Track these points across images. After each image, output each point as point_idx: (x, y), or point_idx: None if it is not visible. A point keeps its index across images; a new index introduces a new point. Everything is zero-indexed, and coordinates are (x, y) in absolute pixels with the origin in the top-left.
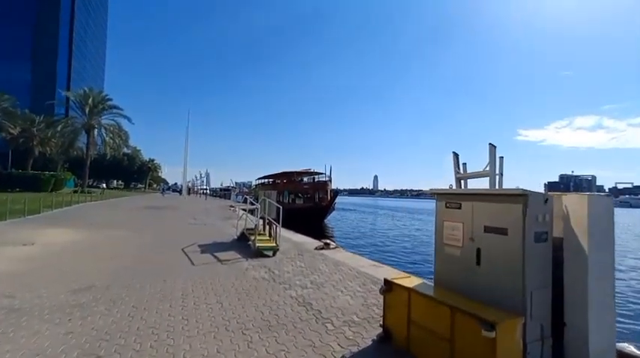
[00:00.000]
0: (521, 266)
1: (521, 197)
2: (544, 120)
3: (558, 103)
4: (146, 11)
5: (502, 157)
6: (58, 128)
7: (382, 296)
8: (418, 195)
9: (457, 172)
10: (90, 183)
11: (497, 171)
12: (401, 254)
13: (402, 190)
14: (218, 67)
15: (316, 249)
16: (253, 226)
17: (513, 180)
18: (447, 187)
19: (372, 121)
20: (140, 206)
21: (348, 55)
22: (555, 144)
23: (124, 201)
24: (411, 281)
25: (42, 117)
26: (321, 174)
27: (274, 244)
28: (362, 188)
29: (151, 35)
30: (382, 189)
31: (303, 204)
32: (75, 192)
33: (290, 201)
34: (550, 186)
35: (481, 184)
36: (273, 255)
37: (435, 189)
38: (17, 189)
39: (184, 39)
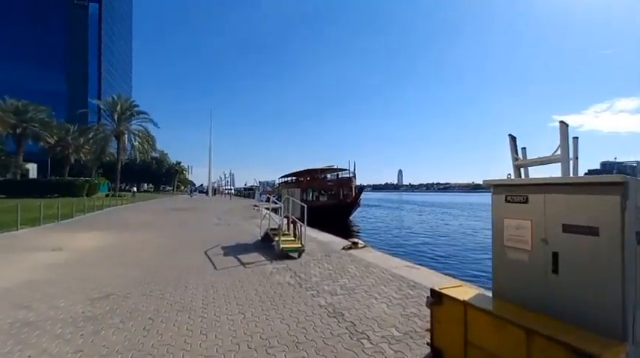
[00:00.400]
0: (620, 275)
1: (617, 186)
2: (582, 104)
3: (597, 85)
4: (165, 12)
5: (576, 138)
6: (90, 135)
7: (427, 307)
8: (445, 188)
9: (515, 159)
10: (121, 187)
11: (570, 155)
12: (435, 253)
13: (427, 184)
14: (240, 66)
15: (344, 249)
16: (277, 226)
17: (548, 169)
18: (506, 176)
19: (394, 114)
20: (168, 208)
21: (367, 47)
22: (594, 129)
23: (152, 204)
24: (464, 292)
25: (76, 127)
26: (345, 170)
27: (299, 245)
28: (386, 183)
29: (171, 36)
30: (407, 183)
31: (327, 201)
32: (107, 196)
33: (314, 198)
34: (589, 174)
35: (543, 173)
36: (299, 256)
37: (491, 180)
38: (55, 195)
39: (205, 38)
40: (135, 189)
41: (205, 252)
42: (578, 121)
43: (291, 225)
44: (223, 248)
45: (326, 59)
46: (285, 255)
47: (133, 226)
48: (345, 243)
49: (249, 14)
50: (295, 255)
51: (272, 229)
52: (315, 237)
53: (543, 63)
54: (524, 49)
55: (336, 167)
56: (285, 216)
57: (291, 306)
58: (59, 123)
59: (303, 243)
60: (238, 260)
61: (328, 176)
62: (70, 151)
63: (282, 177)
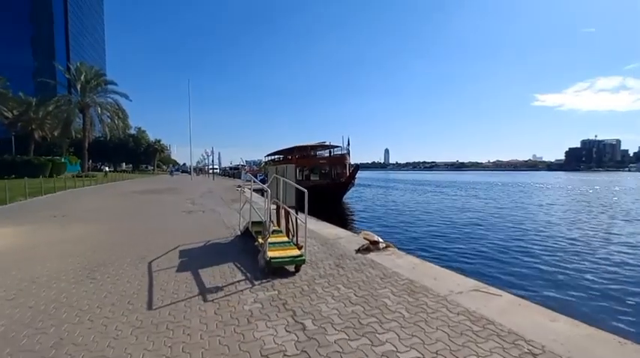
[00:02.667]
0: None
1: None
2: (563, 82)
3: (579, 64)
4: None
5: None
6: (50, 108)
7: None
8: (431, 167)
9: None
10: (95, 167)
11: None
12: (474, 250)
13: (414, 163)
14: (220, 41)
15: (360, 251)
16: (262, 220)
17: (533, 147)
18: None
19: (380, 91)
20: (138, 190)
21: (355, 23)
22: (573, 108)
23: (123, 185)
24: None
25: (35, 100)
26: (338, 147)
27: (297, 251)
28: (373, 162)
29: (150, 12)
30: (394, 162)
31: (319, 180)
32: (75, 176)
33: (304, 177)
34: (571, 153)
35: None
36: (296, 270)
37: None
38: (12, 176)
39: (185, 13)
40: (107, 168)
41: (150, 263)
42: (559, 100)
43: (283, 218)
44: (182, 253)
45: (317, 38)
46: (274, 271)
47: (78, 215)
48: (358, 239)
49: None
50: (291, 268)
51: (255, 223)
52: (311, 228)
53: (525, 40)
54: (505, 25)
55: (328, 143)
56: (273, 203)
57: None
58: (16, 96)
59: (301, 246)
60: (197, 281)
61: (320, 153)
62: (33, 127)
63: (268, 155)
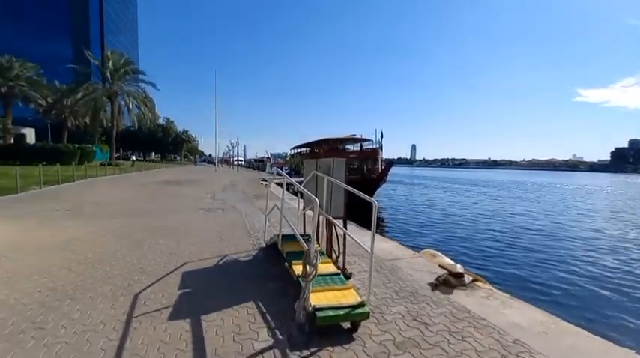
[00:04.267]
0: None
1: None
2: (609, 77)
3: (626, 58)
4: None
5: None
6: (79, 95)
7: None
8: (460, 164)
9: None
10: (125, 156)
11: None
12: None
13: (442, 159)
14: (249, 34)
15: (437, 287)
16: (296, 232)
17: (573, 146)
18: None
19: (407, 85)
20: (161, 180)
21: (377, 11)
22: (620, 105)
23: (147, 175)
24: None
25: (66, 87)
26: (369, 140)
27: (354, 297)
28: (399, 158)
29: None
30: (421, 158)
31: (349, 176)
32: (103, 164)
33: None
34: (617, 153)
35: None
36: (354, 328)
37: None
38: (44, 163)
39: (213, 6)
40: (134, 157)
41: (136, 297)
42: (604, 96)
43: (324, 232)
44: (186, 279)
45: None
46: (320, 328)
47: (83, 210)
48: (424, 263)
49: None
50: (346, 324)
51: (286, 238)
52: (353, 240)
53: (567, 32)
54: (545, 17)
55: (358, 137)
56: (307, 209)
57: None
58: (51, 84)
59: (350, 274)
60: (196, 345)
61: (350, 147)
62: (66, 115)
63: (294, 147)
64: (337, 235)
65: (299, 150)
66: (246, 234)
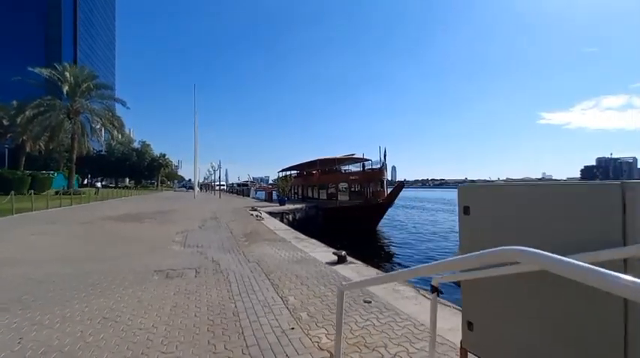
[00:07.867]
0: None
1: None
2: (569, 101)
3: (583, 83)
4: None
5: None
6: (28, 113)
7: None
8: (440, 184)
9: None
10: (90, 183)
11: None
12: None
13: (423, 180)
14: (227, 59)
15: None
16: None
17: (542, 165)
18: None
19: (384, 111)
20: (118, 214)
21: (348, 42)
22: (581, 126)
23: (107, 205)
24: None
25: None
26: (368, 160)
27: None
28: None
29: (159, 29)
30: (402, 179)
31: (350, 200)
32: (62, 193)
33: (328, 196)
34: (586, 171)
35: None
36: None
37: None
38: None
39: (193, 30)
40: (100, 184)
41: None
42: (566, 118)
43: None
44: None
45: (322, 54)
46: None
47: None
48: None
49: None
50: None
51: None
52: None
53: (528, 61)
54: (509, 46)
55: (357, 156)
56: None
57: None
58: (8, 104)
59: None
60: None
61: (346, 168)
62: (24, 138)
63: (282, 170)
64: None
65: (289, 173)
66: (239, 353)
